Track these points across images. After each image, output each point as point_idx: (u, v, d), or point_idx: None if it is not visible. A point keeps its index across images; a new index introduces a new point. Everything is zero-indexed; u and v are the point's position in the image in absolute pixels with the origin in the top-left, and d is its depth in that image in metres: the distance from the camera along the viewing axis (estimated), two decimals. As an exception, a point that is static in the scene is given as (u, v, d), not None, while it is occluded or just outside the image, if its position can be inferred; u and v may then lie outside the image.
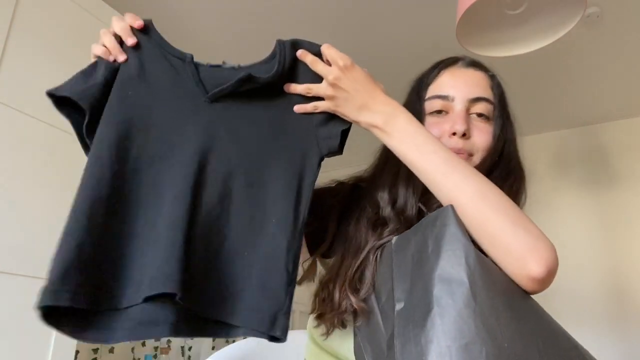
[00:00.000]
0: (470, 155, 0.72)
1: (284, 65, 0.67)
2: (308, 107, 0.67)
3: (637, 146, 2.90)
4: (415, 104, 0.76)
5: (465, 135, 0.71)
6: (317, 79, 0.66)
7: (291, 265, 0.60)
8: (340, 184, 0.86)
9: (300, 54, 0.67)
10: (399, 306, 0.53)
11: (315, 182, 0.66)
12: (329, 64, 0.66)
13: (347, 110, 0.65)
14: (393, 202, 0.70)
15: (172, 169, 0.61)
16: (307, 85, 0.66)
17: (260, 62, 0.69)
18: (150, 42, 0.69)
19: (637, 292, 2.68)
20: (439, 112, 0.74)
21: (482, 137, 0.72)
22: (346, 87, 0.64)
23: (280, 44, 0.68)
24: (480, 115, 0.73)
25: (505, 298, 0.50)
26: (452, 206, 0.55)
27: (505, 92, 0.78)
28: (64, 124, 0.65)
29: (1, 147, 1.46)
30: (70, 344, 1.56)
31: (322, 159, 0.67)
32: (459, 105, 0.73)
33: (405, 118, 0.63)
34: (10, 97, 1.49)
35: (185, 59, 0.68)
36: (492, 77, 0.77)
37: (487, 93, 0.75)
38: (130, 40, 0.66)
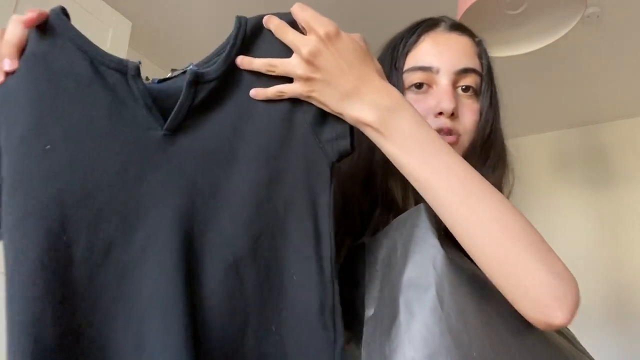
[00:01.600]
0: (458, 136, 0.61)
1: (242, 40, 0.48)
2: (269, 92, 0.47)
3: (637, 146, 2.91)
4: (390, 75, 0.62)
5: (453, 115, 0.59)
6: (286, 52, 0.48)
7: (330, 321, 0.46)
8: None
9: (266, 19, 0.48)
10: (368, 313, 0.50)
11: (332, 200, 0.49)
12: (304, 33, 0.47)
13: (326, 98, 0.47)
14: (384, 199, 0.61)
15: (145, 265, 0.41)
16: (268, 61, 0.47)
17: (216, 49, 0.50)
18: (63, 48, 0.43)
19: (637, 292, 2.68)
20: (420, 85, 0.61)
21: (470, 116, 0.61)
22: (327, 65, 0.45)
23: (240, 18, 0.49)
24: (467, 88, 0.61)
25: (476, 303, 0.45)
26: (424, 205, 0.49)
27: (492, 60, 0.67)
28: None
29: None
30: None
31: (333, 168, 0.49)
32: (444, 79, 0.60)
33: (409, 116, 0.47)
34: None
35: (128, 71, 0.44)
36: (479, 43, 0.65)
37: (475, 63, 0.63)
38: (8, 65, 0.42)
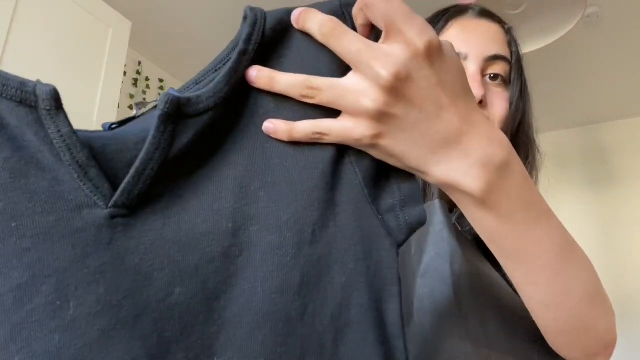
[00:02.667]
0: None
1: (258, 45, 0.29)
2: (298, 129, 0.28)
3: (637, 146, 2.91)
4: None
5: (481, 103, 0.55)
6: (330, 67, 0.29)
7: None
8: None
9: (300, 13, 0.29)
10: None
11: (402, 312, 0.30)
12: (368, 36, 0.30)
13: (404, 148, 0.29)
14: None
15: None
16: (304, 77, 0.28)
17: (215, 60, 0.30)
18: None
19: (638, 292, 2.68)
20: None
21: (500, 105, 0.57)
22: (418, 97, 0.28)
23: (254, 10, 0.30)
24: (495, 77, 0.58)
25: (496, 307, 0.44)
26: (439, 201, 0.46)
27: (521, 49, 0.62)
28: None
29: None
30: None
31: (399, 253, 0.31)
32: (472, 66, 0.57)
33: (520, 172, 0.32)
34: (10, 97, 1.49)
35: (38, 103, 0.23)
36: (509, 31, 0.62)
37: (505, 50, 0.59)
38: None
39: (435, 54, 0.27)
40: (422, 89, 0.27)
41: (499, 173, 0.30)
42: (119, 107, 2.01)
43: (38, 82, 0.24)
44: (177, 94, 0.25)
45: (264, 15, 0.29)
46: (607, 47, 2.26)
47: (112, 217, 0.24)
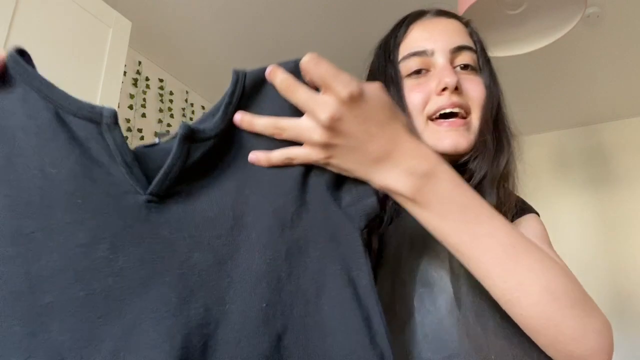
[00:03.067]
0: (468, 113, 0.57)
1: (240, 97, 0.40)
2: (274, 157, 0.40)
3: (637, 146, 2.91)
4: (387, 69, 0.61)
5: (457, 90, 0.56)
6: (293, 110, 0.41)
7: None
8: None
9: (269, 72, 0.41)
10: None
11: (372, 278, 0.40)
12: (316, 89, 0.40)
13: (349, 165, 0.40)
14: None
15: None
16: (273, 121, 0.40)
17: (212, 109, 0.42)
18: (23, 98, 0.36)
19: (637, 291, 2.68)
20: (418, 72, 0.59)
21: (476, 88, 0.58)
22: (351, 130, 0.39)
23: (237, 72, 0.41)
24: (465, 67, 0.59)
25: (494, 306, 0.44)
26: None
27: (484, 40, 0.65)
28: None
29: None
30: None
31: (363, 234, 0.41)
32: (440, 59, 0.58)
33: (448, 179, 0.41)
34: (11, 97, 1.48)
35: (102, 120, 0.35)
36: (468, 24, 0.64)
37: (468, 40, 0.61)
38: None
39: (357, 99, 0.38)
40: (353, 125, 0.39)
41: (424, 179, 0.40)
42: (119, 107, 2.01)
43: (102, 106, 0.35)
44: (190, 124, 0.38)
45: (244, 74, 0.41)
46: (607, 47, 2.26)
47: (148, 201, 0.36)
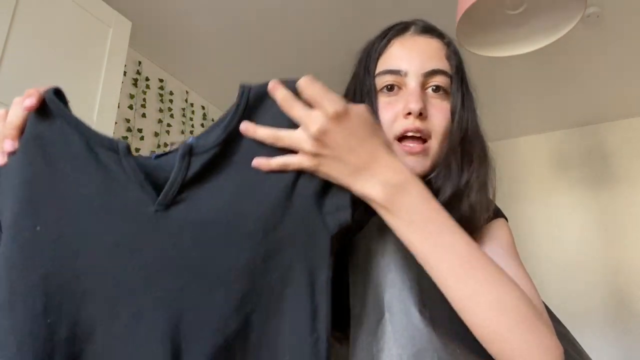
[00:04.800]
0: (428, 137, 0.62)
1: (244, 110, 0.47)
2: (273, 163, 0.47)
3: (637, 146, 2.91)
4: (364, 79, 0.65)
5: (421, 115, 0.60)
6: (291, 123, 0.47)
7: None
8: None
9: (271, 87, 0.48)
10: (354, 312, 0.52)
11: (330, 276, 0.47)
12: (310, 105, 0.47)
13: (334, 172, 0.47)
14: None
15: (129, 346, 0.42)
16: (273, 132, 0.47)
17: (219, 119, 0.49)
18: (60, 130, 0.44)
19: (637, 291, 2.68)
20: (391, 88, 0.63)
21: (440, 115, 0.62)
22: (335, 142, 0.46)
23: (243, 87, 0.48)
24: (437, 88, 0.63)
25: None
26: None
27: (463, 60, 0.68)
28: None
29: (1, 147, 1.46)
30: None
31: (332, 241, 0.48)
32: (412, 82, 0.62)
33: (416, 193, 0.47)
34: (10, 98, 1.48)
35: (119, 150, 0.45)
36: (449, 44, 0.67)
37: (443, 64, 0.64)
38: (8, 145, 0.44)
39: (342, 116, 0.46)
40: (338, 138, 0.46)
41: (396, 190, 0.47)
42: (119, 107, 2.01)
43: (119, 139, 0.45)
44: (190, 142, 0.46)
45: (249, 89, 0.48)
46: (607, 47, 2.26)
47: (156, 211, 0.44)
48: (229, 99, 2.73)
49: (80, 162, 0.44)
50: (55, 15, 1.68)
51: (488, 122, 0.67)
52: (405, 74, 0.62)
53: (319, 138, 0.45)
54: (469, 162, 0.62)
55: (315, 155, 0.46)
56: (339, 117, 0.45)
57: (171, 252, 0.43)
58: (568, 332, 0.59)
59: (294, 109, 0.46)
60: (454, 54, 0.66)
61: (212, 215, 0.45)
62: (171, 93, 2.51)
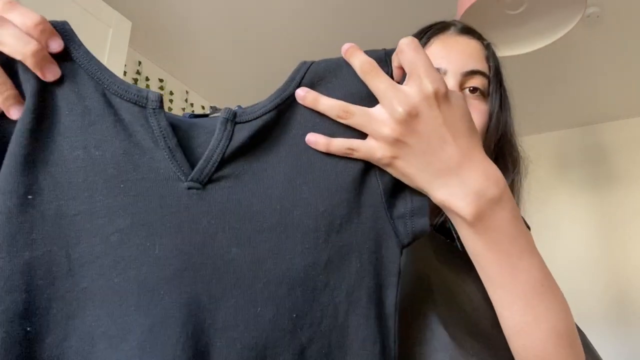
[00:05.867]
0: None
1: (298, 84, 0.38)
2: (334, 145, 0.37)
3: (637, 146, 2.91)
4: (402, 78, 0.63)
5: None
6: (361, 97, 0.37)
7: None
8: None
9: (347, 49, 0.38)
10: None
11: (397, 297, 0.38)
12: (400, 77, 0.38)
13: (413, 170, 0.37)
14: None
15: None
16: (342, 104, 0.37)
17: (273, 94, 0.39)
18: (73, 78, 0.34)
19: (637, 291, 2.68)
20: None
21: (477, 117, 0.60)
22: (426, 130, 0.36)
23: (302, 62, 0.39)
24: (474, 90, 0.61)
25: (469, 325, 0.48)
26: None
27: (501, 64, 0.66)
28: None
29: (1, 147, 1.46)
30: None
31: (402, 252, 0.38)
32: (451, 80, 0.60)
33: (509, 210, 0.38)
34: (11, 97, 1.48)
35: (147, 104, 0.34)
36: (488, 47, 0.66)
37: (482, 65, 0.63)
38: (50, 75, 0.34)
39: (442, 99, 0.35)
40: (429, 125, 0.35)
41: (490, 205, 0.37)
42: (119, 107, 2.01)
43: (148, 90, 0.34)
44: (234, 108, 0.36)
45: (309, 65, 0.38)
46: (607, 47, 2.26)
47: (189, 188, 0.34)
48: (229, 99, 2.73)
49: (92, 119, 0.33)
50: (55, 15, 1.67)
51: (488, 122, 0.67)
52: (445, 73, 0.61)
53: (406, 121, 0.35)
54: (503, 166, 0.61)
55: (394, 142, 0.36)
56: (437, 99, 0.35)
57: (204, 246, 0.33)
58: (585, 336, 0.59)
59: (378, 79, 0.36)
60: (492, 56, 0.65)
61: (261, 201, 0.35)
62: (171, 93, 2.51)
